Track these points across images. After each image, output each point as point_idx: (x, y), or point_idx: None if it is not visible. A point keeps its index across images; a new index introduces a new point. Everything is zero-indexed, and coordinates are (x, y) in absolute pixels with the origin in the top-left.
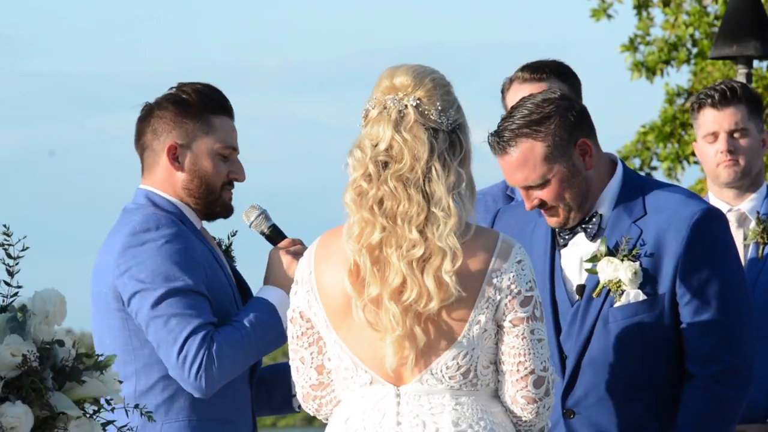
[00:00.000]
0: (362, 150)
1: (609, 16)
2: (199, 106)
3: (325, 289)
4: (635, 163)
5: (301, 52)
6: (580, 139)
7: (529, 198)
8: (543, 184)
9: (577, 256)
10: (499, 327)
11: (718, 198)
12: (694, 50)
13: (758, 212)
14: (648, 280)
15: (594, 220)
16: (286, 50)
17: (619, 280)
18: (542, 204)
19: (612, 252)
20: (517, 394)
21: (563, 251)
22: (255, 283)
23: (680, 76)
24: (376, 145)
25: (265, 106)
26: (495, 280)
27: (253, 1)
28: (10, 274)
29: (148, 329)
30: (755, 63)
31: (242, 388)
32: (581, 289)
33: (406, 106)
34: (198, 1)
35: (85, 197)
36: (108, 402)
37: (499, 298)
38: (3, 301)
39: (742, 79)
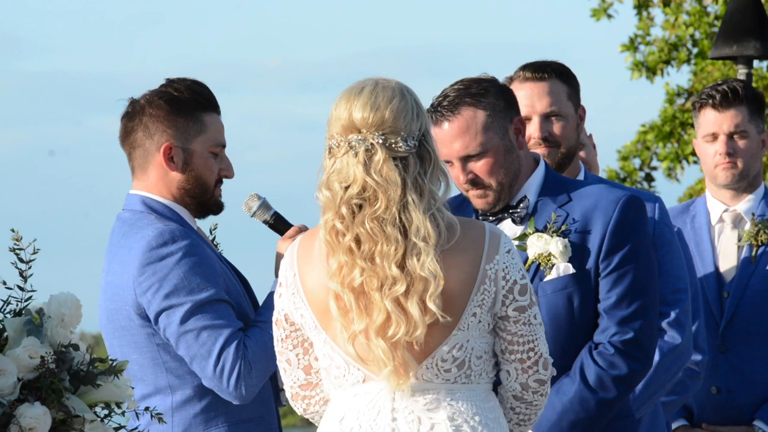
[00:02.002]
0: (332, 190)
1: (609, 16)
2: (192, 104)
3: (312, 291)
4: (635, 163)
5: (303, 52)
6: (515, 117)
7: (464, 171)
8: (481, 155)
9: None
10: (500, 318)
11: (715, 198)
12: (695, 50)
13: (753, 214)
14: (576, 254)
15: (522, 204)
16: (288, 50)
17: (550, 253)
18: (475, 181)
19: (541, 231)
20: (529, 379)
21: None
22: (244, 268)
23: (680, 76)
24: (347, 187)
25: (266, 105)
26: (489, 273)
27: (255, 0)
28: (24, 278)
29: (179, 345)
30: (755, 63)
31: (266, 383)
32: None
33: (372, 144)
34: (199, 1)
35: (85, 197)
36: (118, 405)
37: (494, 290)
38: (17, 305)
39: (742, 79)
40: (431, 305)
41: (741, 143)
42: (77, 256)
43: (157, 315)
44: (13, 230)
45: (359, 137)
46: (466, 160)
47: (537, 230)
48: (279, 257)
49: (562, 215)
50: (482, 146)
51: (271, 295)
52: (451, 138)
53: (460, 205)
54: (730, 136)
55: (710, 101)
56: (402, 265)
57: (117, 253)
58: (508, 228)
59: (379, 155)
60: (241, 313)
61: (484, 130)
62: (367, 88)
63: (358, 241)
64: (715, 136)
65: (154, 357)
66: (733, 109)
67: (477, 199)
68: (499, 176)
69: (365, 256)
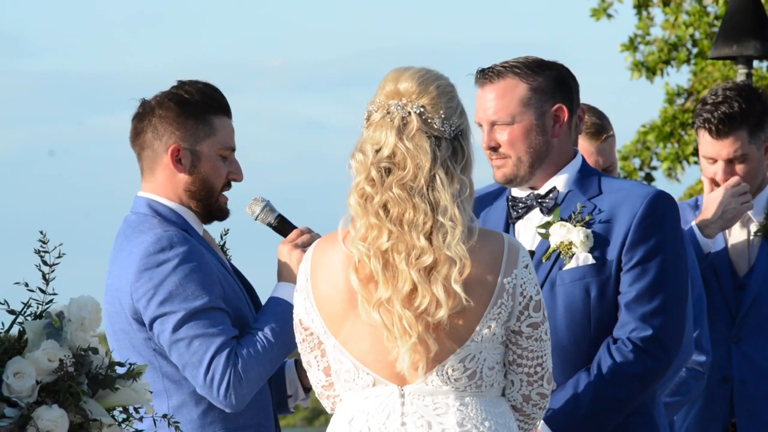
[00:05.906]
0: (364, 153)
1: (609, 16)
2: (202, 107)
3: (322, 297)
4: (635, 163)
5: (304, 52)
6: (558, 104)
7: (489, 137)
8: (508, 125)
9: (531, 227)
10: (513, 332)
11: None
12: (694, 50)
13: (765, 208)
14: (598, 245)
15: (551, 195)
16: (290, 50)
17: (571, 242)
18: (495, 148)
19: (566, 221)
20: (532, 392)
21: (517, 224)
22: (251, 275)
23: (680, 76)
24: (378, 150)
25: (268, 105)
26: (507, 287)
27: (256, 0)
28: (46, 281)
29: (171, 352)
30: (755, 63)
31: (264, 390)
32: (530, 255)
33: (409, 113)
34: (199, 1)
35: (85, 197)
36: (137, 410)
37: (511, 304)
38: (38, 307)
39: (742, 79)
40: (456, 288)
41: (740, 168)
42: (77, 257)
43: (152, 322)
44: (41, 232)
45: (399, 104)
46: (494, 125)
47: (562, 219)
48: (280, 260)
49: (588, 206)
50: (511, 117)
51: (270, 301)
52: (486, 101)
53: (485, 197)
54: (728, 161)
55: (707, 126)
56: (430, 240)
57: (118, 256)
58: (536, 216)
59: (414, 124)
60: (240, 320)
61: (520, 102)
62: (418, 66)
63: (386, 207)
64: (713, 160)
65: (151, 361)
66: (731, 137)
67: (496, 170)
68: (520, 151)
69: (393, 220)
